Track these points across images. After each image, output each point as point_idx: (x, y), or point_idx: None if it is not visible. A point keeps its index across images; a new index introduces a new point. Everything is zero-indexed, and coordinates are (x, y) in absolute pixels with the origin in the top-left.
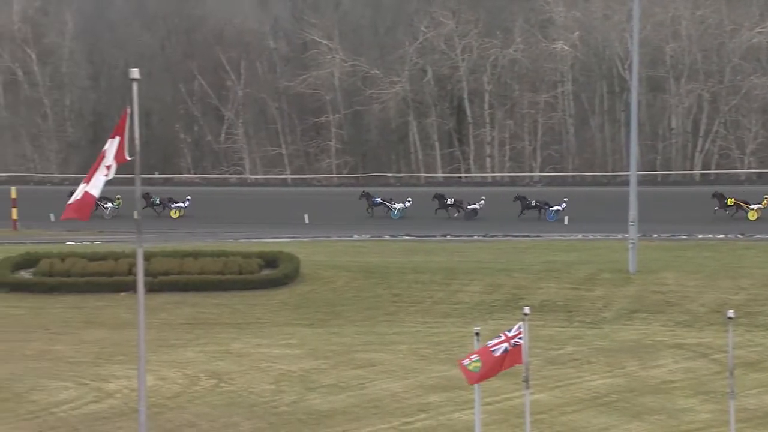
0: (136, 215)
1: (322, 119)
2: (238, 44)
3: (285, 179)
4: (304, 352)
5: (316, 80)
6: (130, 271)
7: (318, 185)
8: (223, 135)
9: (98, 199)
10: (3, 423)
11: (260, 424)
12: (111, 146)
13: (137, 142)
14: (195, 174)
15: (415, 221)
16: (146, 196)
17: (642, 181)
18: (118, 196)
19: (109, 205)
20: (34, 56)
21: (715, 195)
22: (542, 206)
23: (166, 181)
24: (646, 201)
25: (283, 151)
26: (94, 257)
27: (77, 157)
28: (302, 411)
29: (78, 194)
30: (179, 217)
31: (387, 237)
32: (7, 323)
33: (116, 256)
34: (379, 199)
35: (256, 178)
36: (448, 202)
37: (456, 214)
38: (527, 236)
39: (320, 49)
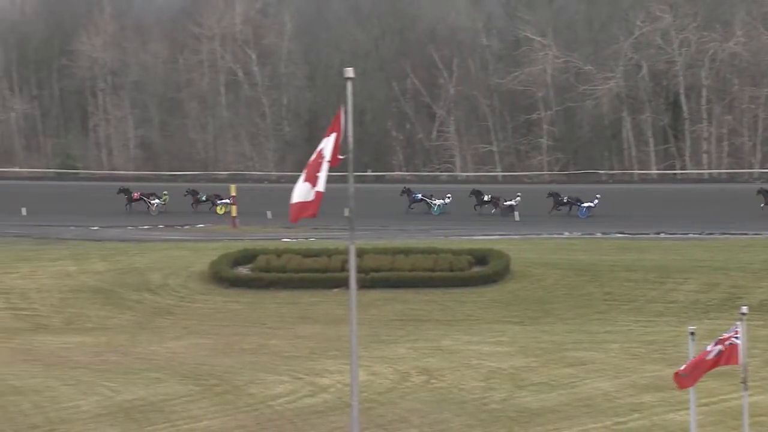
0: (347, 212)
1: (534, 116)
2: (451, 42)
3: (495, 176)
4: (515, 350)
5: (528, 77)
6: (343, 268)
7: (529, 182)
8: (434, 132)
9: (146, 195)
10: (223, 414)
11: (470, 421)
12: (327, 144)
13: (350, 140)
14: (406, 171)
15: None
16: (193, 192)
17: None
18: (165, 192)
19: (156, 201)
20: (254, 57)
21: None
22: (574, 202)
23: (377, 179)
24: None
25: (494, 149)
26: (308, 254)
27: (293, 155)
28: (512, 408)
29: (307, 195)
30: (224, 213)
31: (599, 235)
32: (226, 318)
33: (329, 253)
34: (419, 195)
35: (467, 176)
36: (485, 198)
37: (493, 211)
38: (745, 234)
39: (533, 45)
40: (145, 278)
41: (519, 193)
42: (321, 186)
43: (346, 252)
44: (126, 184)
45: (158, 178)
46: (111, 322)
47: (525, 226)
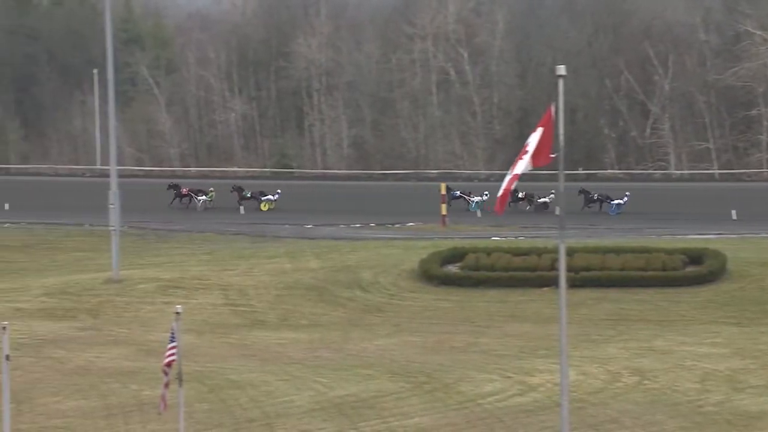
0: (558, 211)
1: (753, 112)
2: (667, 38)
3: (712, 174)
4: (731, 351)
5: (748, 72)
6: (553, 267)
7: (748, 180)
8: (648, 130)
9: (193, 192)
10: (434, 412)
11: (685, 423)
12: (533, 139)
13: (561, 138)
14: (618, 170)
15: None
16: (239, 189)
17: None
18: (212, 189)
19: (203, 197)
20: (465, 56)
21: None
22: (604, 200)
23: (589, 177)
24: None
25: (711, 146)
26: (517, 252)
27: (503, 153)
28: (729, 411)
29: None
30: (268, 209)
31: None
32: (435, 315)
33: (539, 252)
34: (458, 193)
35: (681, 174)
36: (519, 195)
37: (528, 207)
38: None
39: (754, 40)
40: (356, 276)
41: (553, 191)
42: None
43: (555, 251)
44: (176, 180)
45: (370, 177)
46: (324, 319)
47: (742, 225)
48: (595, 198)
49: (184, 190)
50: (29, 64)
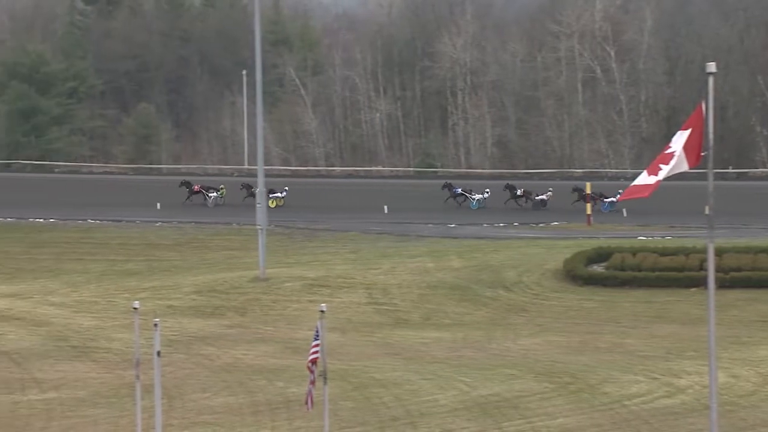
0: (707, 210)
1: None
2: None
3: None
4: None
5: None
6: (701, 267)
7: None
8: None
9: (204, 188)
10: (578, 412)
11: None
12: (679, 138)
13: (710, 136)
14: None
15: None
16: (247, 186)
17: None
18: (222, 186)
19: (213, 194)
20: (612, 54)
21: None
22: (597, 197)
23: (739, 176)
24: None
25: None
26: (665, 252)
27: (649, 152)
28: None
29: (645, 181)
30: (276, 206)
31: None
32: (580, 315)
33: (687, 251)
34: (459, 190)
35: None
36: (518, 192)
37: (523, 204)
38: None
39: None
40: (499, 275)
41: (551, 188)
42: (661, 176)
43: (704, 251)
44: (187, 178)
45: (514, 177)
46: (467, 318)
47: None
48: (597, 195)
49: (196, 187)
50: (182, 66)
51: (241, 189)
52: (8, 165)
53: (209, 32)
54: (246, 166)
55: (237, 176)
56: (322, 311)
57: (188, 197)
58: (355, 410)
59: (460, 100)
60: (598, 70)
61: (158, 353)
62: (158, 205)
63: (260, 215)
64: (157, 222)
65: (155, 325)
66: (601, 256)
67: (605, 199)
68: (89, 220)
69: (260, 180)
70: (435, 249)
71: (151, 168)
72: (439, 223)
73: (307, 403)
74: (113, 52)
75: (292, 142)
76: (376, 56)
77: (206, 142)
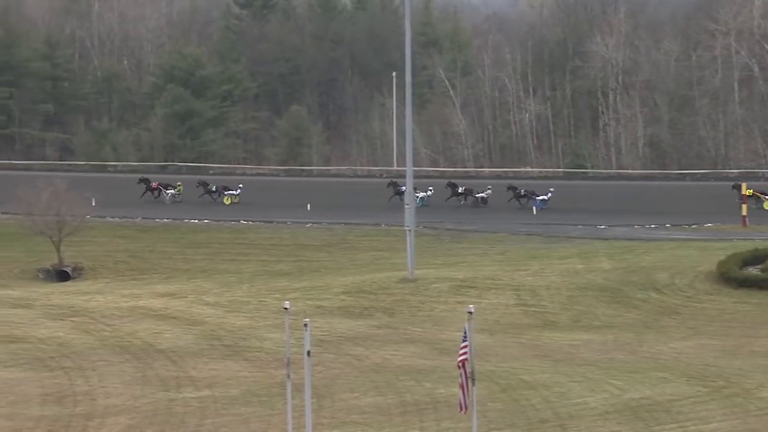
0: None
1: None
2: None
3: None
4: None
5: None
6: None
7: None
8: None
9: (162, 186)
10: (733, 417)
11: None
12: None
13: None
14: None
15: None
16: (204, 183)
17: None
18: (179, 183)
19: (170, 191)
20: None
21: (734, 186)
22: (530, 196)
23: None
24: None
25: None
26: None
27: None
28: None
29: None
30: (231, 203)
31: None
32: (734, 318)
33: None
34: (404, 188)
35: None
36: (459, 190)
37: (462, 202)
38: None
39: None
40: (650, 277)
41: (490, 186)
42: None
43: None
44: (145, 175)
45: (666, 177)
46: (617, 321)
47: None
48: (522, 193)
49: (154, 184)
50: (333, 68)
51: (197, 186)
52: (164, 166)
53: (360, 34)
54: (395, 168)
55: (385, 177)
56: (470, 312)
57: (144, 193)
58: (503, 412)
59: (612, 99)
60: (756, 69)
61: (308, 353)
62: (308, 206)
63: (408, 216)
64: (307, 223)
65: (305, 325)
66: (757, 258)
67: (537, 197)
68: (242, 221)
69: (408, 181)
70: (584, 250)
71: (302, 169)
72: (589, 225)
73: (460, 405)
74: (267, 55)
75: (441, 144)
76: (526, 56)
77: (356, 144)
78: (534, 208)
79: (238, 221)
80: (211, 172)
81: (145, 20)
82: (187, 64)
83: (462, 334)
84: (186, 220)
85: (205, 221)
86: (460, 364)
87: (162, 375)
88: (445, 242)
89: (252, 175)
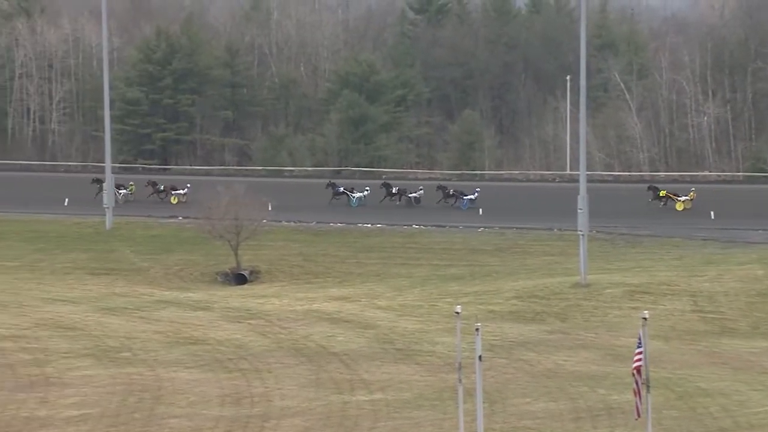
0: None
1: None
2: None
3: None
4: None
5: None
6: None
7: None
8: None
9: (116, 186)
10: None
11: None
12: None
13: None
14: None
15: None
16: (153, 183)
17: None
18: (131, 183)
19: (123, 191)
20: None
21: (650, 188)
22: (458, 195)
23: None
24: None
25: None
26: None
27: None
28: None
29: None
30: (178, 203)
31: None
32: None
33: None
34: (342, 188)
35: None
36: (393, 191)
37: (397, 202)
38: None
39: None
40: None
41: (421, 187)
42: None
43: None
44: (98, 176)
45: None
46: None
47: None
48: (451, 193)
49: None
50: (506, 72)
51: (146, 185)
52: (338, 171)
53: (534, 38)
54: (568, 172)
55: (558, 182)
56: (645, 318)
57: (97, 193)
58: (680, 419)
59: None
60: None
61: (480, 357)
62: (480, 210)
63: (581, 220)
64: (479, 227)
65: (476, 329)
66: None
67: (464, 197)
68: (414, 225)
69: (582, 185)
70: (765, 256)
71: (474, 174)
72: None
73: (637, 411)
74: (440, 59)
75: (616, 147)
76: (706, 58)
77: (528, 148)
78: (462, 207)
79: (410, 225)
80: (384, 177)
81: (322, 27)
82: (362, 69)
83: (636, 340)
84: (359, 225)
85: (378, 225)
86: (635, 370)
87: (335, 378)
88: (619, 247)
89: (424, 179)
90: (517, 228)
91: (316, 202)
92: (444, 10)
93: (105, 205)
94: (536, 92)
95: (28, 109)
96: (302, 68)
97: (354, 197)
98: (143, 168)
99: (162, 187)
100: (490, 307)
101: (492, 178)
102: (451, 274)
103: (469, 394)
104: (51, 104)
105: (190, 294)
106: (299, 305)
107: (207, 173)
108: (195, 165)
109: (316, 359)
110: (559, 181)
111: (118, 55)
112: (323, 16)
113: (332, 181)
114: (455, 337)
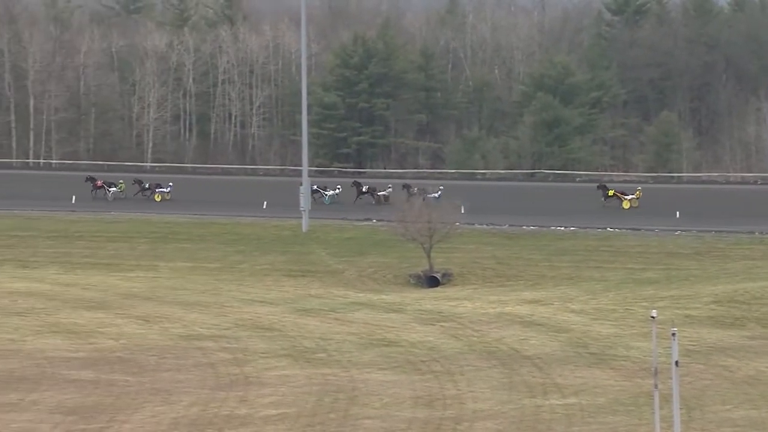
0: None
1: None
2: None
3: None
4: None
5: None
6: None
7: None
8: None
9: (106, 184)
10: None
11: None
12: None
13: None
14: None
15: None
16: (139, 182)
17: None
18: (121, 181)
19: (113, 189)
20: None
21: (599, 186)
22: (422, 194)
23: None
24: None
25: None
26: None
27: None
28: None
29: None
30: (161, 200)
31: None
32: None
33: None
34: (315, 186)
35: None
36: (363, 189)
37: (374, 202)
38: None
39: None
40: None
41: (390, 185)
42: None
43: None
44: (92, 174)
45: None
46: None
47: None
48: (416, 191)
49: (98, 182)
50: (706, 72)
51: (133, 184)
52: (531, 174)
53: (737, 37)
54: None
55: (760, 184)
56: None
57: (93, 191)
58: None
59: None
60: None
61: (676, 363)
62: (677, 213)
63: None
64: (676, 231)
65: (673, 334)
66: None
67: (428, 195)
68: (608, 229)
69: None
70: None
71: (671, 176)
72: None
73: None
74: (637, 60)
75: None
76: None
77: (728, 150)
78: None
79: (605, 228)
80: (578, 179)
81: (517, 29)
82: (557, 71)
83: None
84: (552, 228)
85: (571, 228)
86: None
87: (528, 381)
88: None
89: (619, 182)
90: (716, 231)
91: (509, 206)
92: (642, 10)
93: (302, 208)
94: (738, 92)
95: (230, 115)
96: (496, 71)
97: (326, 195)
98: (339, 171)
99: (147, 185)
100: (687, 312)
101: (690, 181)
102: (647, 278)
103: (666, 399)
104: (251, 109)
105: (384, 296)
106: (491, 308)
107: (400, 176)
108: (389, 168)
109: (509, 362)
110: (761, 184)
111: (316, 60)
112: (518, 18)
113: (315, 185)
114: (651, 341)
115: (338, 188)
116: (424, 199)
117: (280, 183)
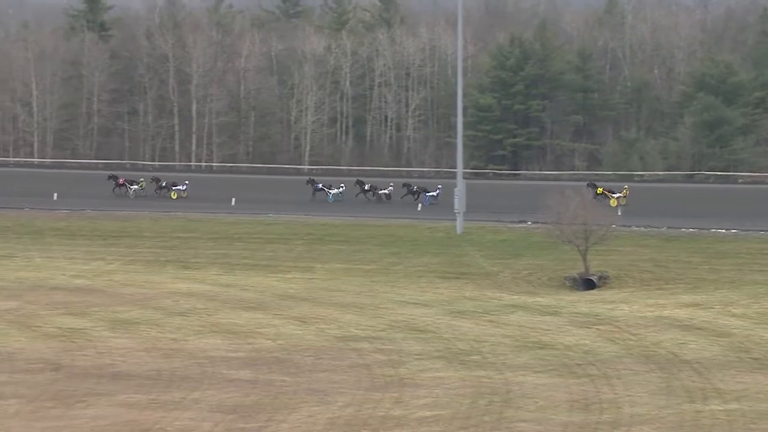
0: None
1: None
2: None
3: None
4: None
5: None
6: None
7: None
8: None
9: (128, 182)
10: None
11: None
12: None
13: None
14: None
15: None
16: (156, 180)
17: None
18: (141, 179)
19: (134, 186)
20: None
21: (589, 185)
22: (421, 192)
23: None
24: None
25: None
26: None
27: None
28: None
29: None
30: (177, 198)
31: None
32: None
33: None
34: (320, 185)
35: None
36: (366, 187)
37: (372, 198)
38: None
39: None
40: None
41: (391, 183)
42: None
43: None
44: (114, 172)
45: None
46: None
47: None
48: (414, 189)
49: (121, 180)
50: None
51: (151, 182)
52: (691, 176)
53: None
54: None
55: None
56: None
57: (114, 188)
58: None
59: None
60: None
61: None
62: None
63: None
64: None
65: None
66: None
67: (426, 194)
68: None
69: None
70: None
71: None
72: None
73: None
74: None
75: None
76: None
77: None
78: (423, 203)
79: None
80: (740, 181)
81: (678, 28)
82: (719, 71)
83: None
84: (712, 230)
85: (733, 231)
86: None
87: (687, 386)
88: None
89: None
90: None
91: (667, 208)
92: None
93: (456, 210)
94: None
95: (386, 117)
96: (656, 71)
97: (331, 193)
98: (494, 174)
99: (164, 183)
100: None
101: None
102: None
103: None
104: (407, 112)
105: (539, 298)
106: (649, 311)
107: (556, 178)
108: (544, 170)
109: (667, 366)
110: None
111: (472, 62)
112: (680, 17)
113: (312, 178)
114: None
115: (342, 186)
116: (419, 196)
117: (432, 185)
